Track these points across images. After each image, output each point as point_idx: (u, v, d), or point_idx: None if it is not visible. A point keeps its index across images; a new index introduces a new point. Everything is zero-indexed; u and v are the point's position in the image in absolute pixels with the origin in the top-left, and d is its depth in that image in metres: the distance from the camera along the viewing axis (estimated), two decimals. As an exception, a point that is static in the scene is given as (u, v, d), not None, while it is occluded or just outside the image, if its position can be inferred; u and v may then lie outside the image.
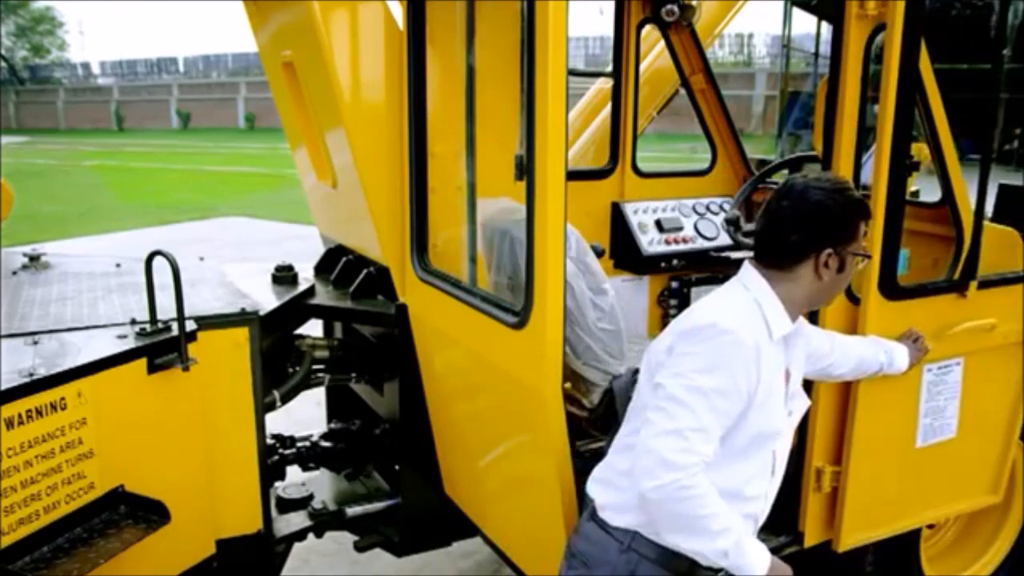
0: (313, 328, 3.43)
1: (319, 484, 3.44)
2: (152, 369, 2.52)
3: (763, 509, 2.10)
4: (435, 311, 2.87)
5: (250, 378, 2.78)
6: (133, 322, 2.67)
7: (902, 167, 2.42)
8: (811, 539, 2.70)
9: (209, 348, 2.65)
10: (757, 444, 1.98)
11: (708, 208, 4.11)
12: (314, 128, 3.24)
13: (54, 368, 2.32)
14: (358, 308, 3.14)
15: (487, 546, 3.13)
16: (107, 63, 54.74)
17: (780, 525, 2.65)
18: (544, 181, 2.14)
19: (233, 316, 2.75)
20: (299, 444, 3.36)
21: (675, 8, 3.90)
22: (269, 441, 3.17)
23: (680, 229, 3.98)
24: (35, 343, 2.52)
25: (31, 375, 2.25)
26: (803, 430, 2.58)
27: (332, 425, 3.48)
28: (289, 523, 3.20)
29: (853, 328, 2.54)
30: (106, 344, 2.51)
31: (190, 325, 2.61)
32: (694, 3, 3.96)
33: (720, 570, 1.93)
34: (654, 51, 4.34)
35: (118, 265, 3.50)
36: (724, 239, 3.91)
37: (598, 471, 2.14)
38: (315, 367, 3.28)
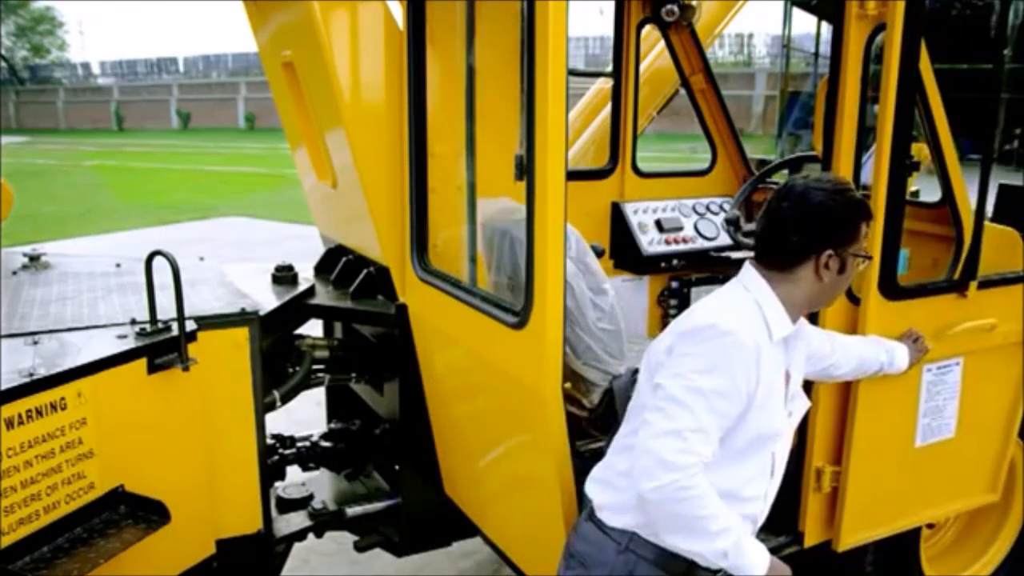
0: (313, 328, 3.43)
1: (319, 484, 3.44)
2: (152, 369, 2.52)
3: (762, 510, 2.10)
4: (435, 311, 2.87)
5: (250, 378, 2.78)
6: (133, 322, 2.67)
7: (902, 167, 2.42)
8: (811, 539, 2.70)
9: (209, 348, 2.65)
10: (756, 445, 1.98)
11: (708, 208, 4.11)
12: (314, 128, 3.24)
13: (54, 368, 2.32)
14: (358, 308, 3.14)
15: (487, 546, 3.13)
16: (107, 63, 54.81)
17: (780, 525, 2.65)
18: (544, 181, 2.14)
19: (233, 316, 2.75)
20: (299, 444, 3.36)
21: (675, 8, 3.90)
22: (269, 441, 3.17)
23: (680, 229, 3.98)
24: (35, 343, 2.52)
25: (31, 375, 2.25)
26: (803, 430, 2.58)
27: (332, 425, 3.48)
28: (289, 523, 3.20)
29: (853, 328, 2.54)
30: (106, 344, 2.51)
31: (190, 325, 2.61)
32: (694, 3, 3.96)
33: (719, 571, 1.93)
34: (654, 51, 4.34)
35: (118, 265, 3.50)
36: (724, 239, 3.91)
37: (597, 471, 2.14)
38: (315, 367, 3.28)
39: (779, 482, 2.12)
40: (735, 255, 3.77)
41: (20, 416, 2.20)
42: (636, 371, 2.21)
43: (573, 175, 2.41)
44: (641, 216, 3.97)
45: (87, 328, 2.67)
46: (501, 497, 2.93)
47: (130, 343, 2.52)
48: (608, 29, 4.05)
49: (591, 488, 2.11)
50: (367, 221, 3.05)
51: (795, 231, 1.95)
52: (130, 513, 2.48)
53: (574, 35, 8.83)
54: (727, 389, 1.85)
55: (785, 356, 2.03)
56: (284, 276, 3.27)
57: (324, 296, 3.26)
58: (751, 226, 3.13)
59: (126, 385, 2.46)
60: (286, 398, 3.12)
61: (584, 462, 2.27)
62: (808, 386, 2.39)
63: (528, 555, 2.75)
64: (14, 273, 3.37)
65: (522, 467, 2.68)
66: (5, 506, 2.18)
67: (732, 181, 4.27)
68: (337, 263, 3.38)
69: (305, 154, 3.51)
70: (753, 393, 1.90)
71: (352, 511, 3.28)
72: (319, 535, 3.32)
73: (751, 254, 2.09)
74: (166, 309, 2.62)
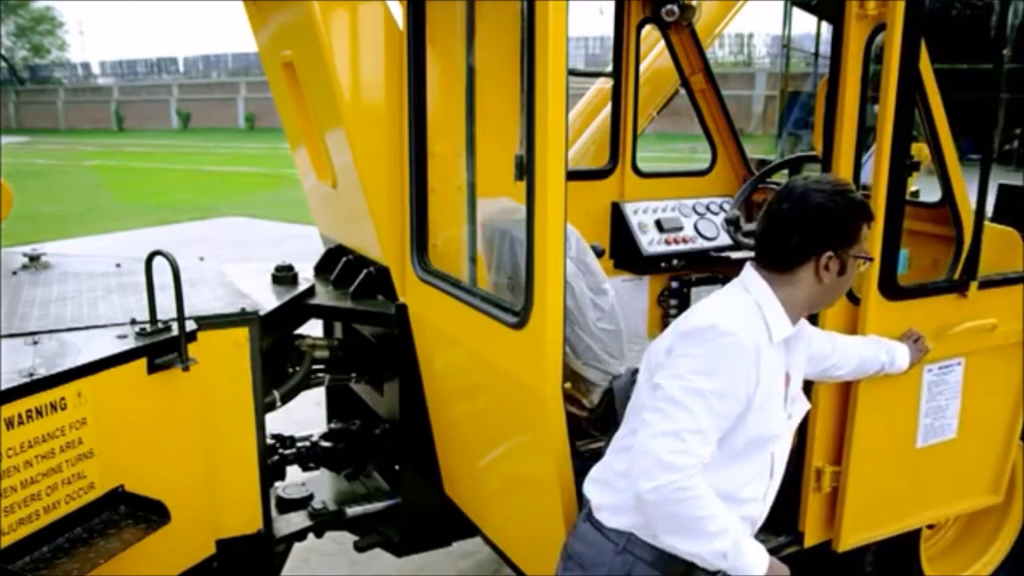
0: (313, 328, 3.43)
1: (319, 484, 3.44)
2: (152, 369, 2.52)
3: (761, 511, 2.10)
4: (435, 311, 2.87)
5: (250, 378, 2.78)
6: (133, 322, 2.67)
7: (902, 167, 2.42)
8: (811, 539, 2.70)
9: (209, 348, 2.65)
10: (755, 447, 1.98)
11: (708, 208, 4.11)
12: (314, 128, 3.24)
13: (54, 368, 2.32)
14: (358, 308, 3.14)
15: (487, 546, 3.13)
16: (107, 63, 54.82)
17: (780, 525, 2.65)
18: (544, 181, 2.14)
19: (233, 316, 2.75)
20: (299, 444, 3.35)
21: (675, 8, 3.90)
22: (269, 441, 3.16)
23: (680, 229, 3.98)
24: (35, 343, 2.52)
25: (31, 375, 2.25)
26: (803, 430, 2.58)
27: (332, 425, 3.48)
28: (289, 523, 3.20)
29: (853, 328, 2.54)
30: (106, 344, 2.51)
31: (190, 325, 2.61)
32: (694, 3, 3.96)
33: (717, 573, 1.92)
34: (654, 51, 4.34)
35: (118, 265, 3.50)
36: (724, 239, 3.91)
37: (595, 472, 2.14)
38: (315, 367, 3.28)
39: (778, 483, 2.12)
40: (735, 255, 3.77)
41: (20, 416, 2.20)
42: (636, 371, 2.20)
43: (573, 175, 2.41)
44: (641, 216, 3.96)
45: (87, 328, 2.67)
46: (501, 497, 2.93)
47: (130, 343, 2.52)
48: (608, 29, 4.05)
49: (589, 488, 2.11)
50: (367, 221, 3.04)
51: (795, 233, 1.94)
52: (130, 513, 2.48)
53: (574, 35, 8.83)
54: (726, 390, 1.85)
55: (785, 358, 2.02)
56: (284, 276, 3.27)
57: (324, 296, 3.26)
58: (751, 226, 3.13)
59: (126, 385, 2.46)
60: (286, 398, 3.11)
61: (584, 462, 2.27)
62: (808, 386, 2.39)
63: (528, 555, 2.75)
64: (14, 273, 3.37)
65: (522, 467, 2.68)
66: (5, 506, 2.18)
67: (732, 181, 4.27)
68: (337, 263, 3.38)
69: (305, 154, 3.51)
70: (752, 394, 1.89)
71: (352, 511, 3.28)
72: (319, 535, 3.31)
73: (751, 254, 2.08)
74: (166, 309, 2.62)
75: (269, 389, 3.03)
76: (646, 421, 1.87)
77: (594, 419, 2.73)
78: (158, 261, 2.57)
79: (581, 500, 2.22)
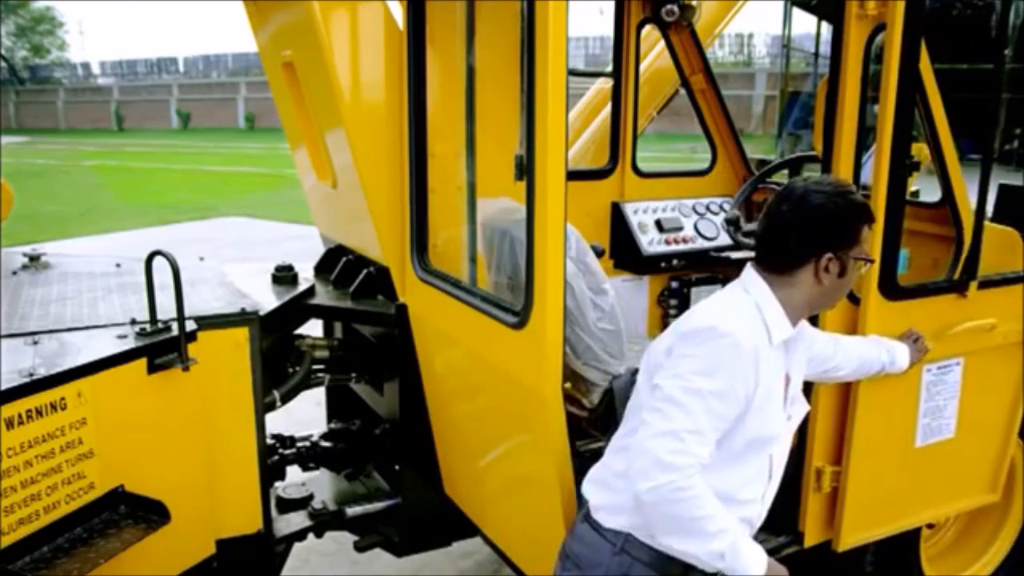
0: (313, 328, 3.43)
1: (319, 484, 3.44)
2: (152, 369, 2.52)
3: (759, 513, 2.09)
4: (435, 311, 2.87)
5: (250, 378, 2.78)
6: (133, 322, 2.67)
7: (902, 167, 2.42)
8: (811, 539, 2.70)
9: (209, 348, 2.65)
10: (754, 448, 1.98)
11: (708, 208, 4.11)
12: (314, 128, 3.24)
13: (54, 368, 2.32)
14: (358, 308, 3.14)
15: (487, 546, 3.13)
16: (107, 63, 54.82)
17: (780, 525, 2.65)
18: (544, 181, 2.14)
19: (233, 316, 2.75)
20: (299, 444, 3.35)
21: (675, 8, 3.90)
22: (269, 441, 3.16)
23: (680, 229, 3.98)
24: (35, 343, 2.52)
25: (31, 375, 2.25)
26: (803, 430, 2.57)
27: (332, 425, 3.48)
28: (289, 523, 3.20)
29: (853, 328, 2.54)
30: (106, 344, 2.51)
31: (190, 325, 2.61)
32: (694, 3, 3.96)
33: (715, 574, 1.92)
34: (654, 51, 4.34)
35: (118, 265, 3.50)
36: (724, 239, 3.91)
37: (594, 472, 2.14)
38: (315, 367, 3.28)
39: (777, 485, 2.12)
40: (735, 255, 3.77)
41: (20, 416, 2.20)
42: (636, 371, 2.20)
43: (573, 175, 2.41)
44: (641, 216, 3.97)
45: (87, 328, 2.67)
46: (501, 497, 2.93)
47: (130, 343, 2.52)
48: (608, 29, 4.05)
49: (588, 489, 2.11)
50: (367, 221, 3.05)
51: (794, 234, 1.94)
52: (130, 513, 2.48)
53: (574, 35, 8.82)
54: (725, 391, 1.85)
55: (785, 359, 2.02)
56: (284, 276, 3.27)
57: (324, 296, 3.26)
58: (751, 226, 3.13)
59: (126, 385, 2.46)
60: (286, 398, 3.12)
61: (584, 462, 2.27)
62: (808, 386, 2.39)
63: (528, 555, 2.75)
64: (14, 273, 3.37)
65: (522, 467, 2.68)
66: (5, 506, 2.18)
67: (732, 181, 4.27)
68: (337, 263, 3.38)
69: (305, 154, 3.51)
70: (751, 396, 1.89)
71: (352, 511, 3.28)
72: (319, 535, 3.32)
73: (751, 254, 2.08)
74: (166, 309, 2.62)
75: (269, 389, 3.03)
76: (645, 421, 1.87)
77: (594, 419, 2.73)
78: (158, 261, 2.57)
79: (581, 500, 2.22)
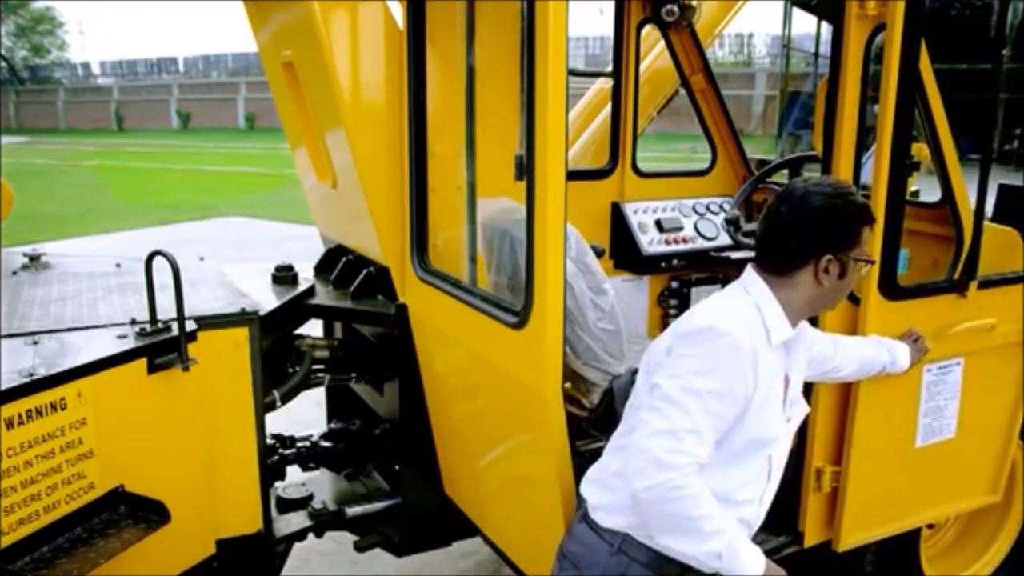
0: (313, 328, 3.43)
1: (319, 484, 3.44)
2: (152, 369, 2.52)
3: (758, 514, 2.09)
4: (435, 311, 2.87)
5: (250, 378, 2.78)
6: (133, 322, 2.67)
7: (902, 167, 2.42)
8: (811, 539, 2.70)
9: (209, 348, 2.65)
10: (753, 449, 1.97)
11: (708, 208, 4.11)
12: (314, 128, 3.24)
13: (54, 368, 2.32)
14: (358, 308, 3.14)
15: (487, 546, 3.13)
16: (107, 63, 54.81)
17: (780, 525, 2.65)
18: (544, 181, 2.14)
19: (233, 316, 2.75)
20: (299, 444, 3.35)
21: (675, 8, 3.90)
22: (269, 441, 3.16)
23: (680, 229, 3.99)
24: (35, 343, 2.52)
25: (31, 375, 2.25)
26: (803, 430, 2.57)
27: (332, 425, 3.48)
28: (289, 523, 3.20)
29: (853, 328, 2.54)
30: (106, 344, 2.51)
31: (190, 325, 2.61)
32: (694, 3, 3.96)
33: (713, 575, 1.91)
34: (654, 51, 4.34)
35: (118, 265, 3.50)
36: (724, 239, 3.91)
37: (592, 472, 2.14)
38: (315, 367, 3.28)
39: (776, 486, 2.11)
40: (735, 255, 3.77)
41: (20, 416, 2.20)
42: (636, 371, 2.20)
43: (573, 175, 2.41)
44: (641, 216, 3.97)
45: (87, 328, 2.67)
46: (501, 497, 2.93)
47: (130, 343, 2.52)
48: (608, 29, 4.05)
49: (586, 489, 2.11)
50: (367, 221, 3.05)
51: (794, 235, 1.94)
52: (130, 513, 2.48)
53: (574, 35, 8.82)
54: (723, 391, 1.85)
55: (785, 360, 2.02)
56: (284, 276, 3.27)
57: (324, 296, 3.26)
58: (751, 226, 3.13)
59: (126, 385, 2.46)
60: (286, 398, 3.12)
61: (584, 462, 2.27)
62: (808, 386, 2.39)
63: (528, 555, 2.75)
64: (14, 273, 3.37)
65: (522, 467, 2.68)
66: (5, 506, 2.18)
67: (732, 181, 4.27)
68: (337, 263, 3.38)
69: (305, 154, 3.51)
70: (750, 396, 1.89)
71: (352, 511, 3.28)
72: (319, 535, 3.32)
73: (751, 254, 2.08)
74: (166, 309, 2.62)
75: (269, 389, 3.03)
76: (643, 420, 1.87)
77: (594, 419, 2.73)
78: (158, 261, 2.57)
79: (579, 500, 2.22)
